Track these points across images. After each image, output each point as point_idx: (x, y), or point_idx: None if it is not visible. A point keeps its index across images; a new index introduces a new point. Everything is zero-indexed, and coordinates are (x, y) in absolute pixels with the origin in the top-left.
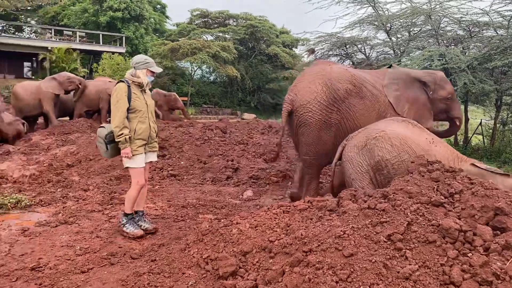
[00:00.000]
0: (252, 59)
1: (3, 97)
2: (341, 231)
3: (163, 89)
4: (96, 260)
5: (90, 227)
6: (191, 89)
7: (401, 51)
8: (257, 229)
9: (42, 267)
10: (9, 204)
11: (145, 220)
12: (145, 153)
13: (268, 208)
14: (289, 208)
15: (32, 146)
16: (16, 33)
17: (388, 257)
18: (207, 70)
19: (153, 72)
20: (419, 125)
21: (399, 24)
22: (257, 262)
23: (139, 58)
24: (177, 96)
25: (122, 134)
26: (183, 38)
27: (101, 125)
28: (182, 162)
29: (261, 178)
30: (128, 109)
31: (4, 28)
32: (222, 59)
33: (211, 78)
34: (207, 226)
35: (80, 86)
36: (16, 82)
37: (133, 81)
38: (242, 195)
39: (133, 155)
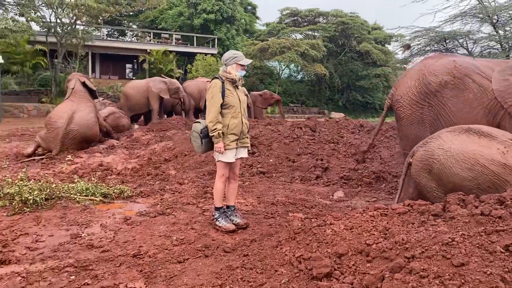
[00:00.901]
0: (341, 57)
1: (106, 96)
2: (449, 238)
3: (251, 89)
4: (191, 251)
5: (185, 219)
6: (278, 88)
7: (510, 45)
8: (352, 231)
9: (142, 254)
10: (113, 194)
11: (236, 215)
12: (236, 148)
13: (363, 210)
14: (387, 211)
15: (133, 141)
16: (120, 37)
17: (507, 269)
18: (295, 69)
19: (243, 66)
20: (485, 130)
21: (508, 15)
22: (353, 265)
23: (227, 54)
24: (271, 94)
25: (216, 129)
26: (272, 37)
27: (197, 120)
28: (271, 160)
29: (353, 179)
30: (222, 105)
31: (109, 32)
32: (310, 57)
33: (299, 76)
34: (300, 225)
35: (181, 100)
36: (119, 82)
37: (226, 77)
38: (333, 195)
39: (225, 150)
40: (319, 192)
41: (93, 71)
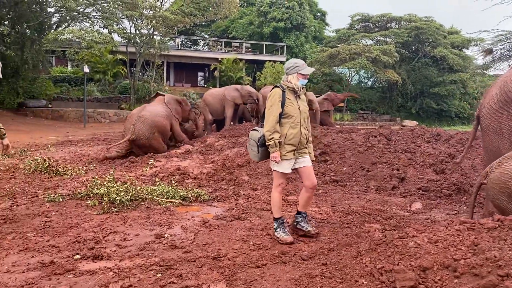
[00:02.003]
0: (415, 63)
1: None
2: None
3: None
4: (269, 257)
5: (261, 224)
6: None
7: None
8: (437, 245)
9: (222, 257)
10: (191, 197)
11: (307, 222)
12: (294, 159)
13: (448, 224)
14: (474, 226)
15: (207, 147)
16: (192, 47)
17: None
18: (365, 75)
19: (304, 75)
20: None
21: None
22: (439, 280)
23: (289, 63)
24: (334, 94)
25: (272, 138)
26: (342, 43)
27: (254, 128)
28: (344, 168)
29: (431, 190)
30: (280, 114)
31: (183, 42)
32: (382, 63)
33: (369, 83)
34: (380, 236)
35: (257, 101)
36: (192, 90)
37: (287, 86)
38: (410, 206)
39: (281, 160)
40: (396, 203)
41: (168, 79)
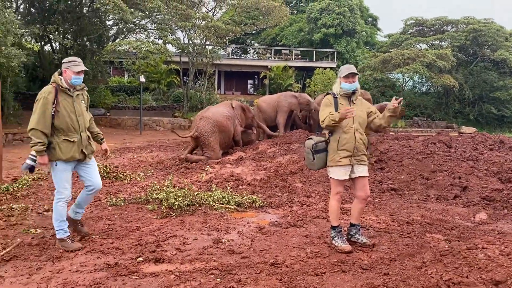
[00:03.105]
0: (473, 67)
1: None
2: None
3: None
4: (327, 265)
5: (317, 232)
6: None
7: None
8: (510, 257)
9: (280, 264)
10: (246, 203)
11: (361, 234)
12: (351, 165)
13: None
14: None
15: (259, 154)
16: (242, 55)
17: None
18: (419, 80)
19: (344, 78)
20: None
21: None
22: None
23: (340, 69)
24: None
25: (325, 119)
26: (395, 49)
27: (309, 137)
28: (402, 176)
29: (497, 200)
30: None
31: (233, 51)
32: (437, 68)
33: (424, 88)
34: (446, 246)
35: (313, 111)
36: (242, 97)
37: (339, 92)
38: (474, 217)
39: (335, 166)
40: (458, 213)
41: (219, 87)
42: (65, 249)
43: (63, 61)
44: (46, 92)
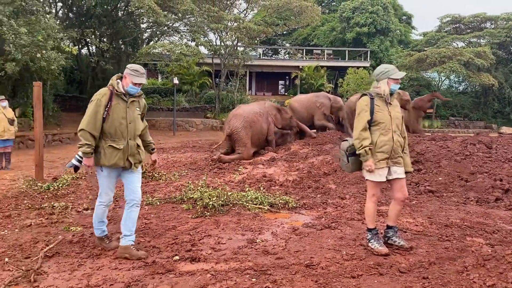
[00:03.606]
0: None
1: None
2: None
3: None
4: (364, 268)
5: (352, 234)
6: (437, 101)
7: None
8: None
9: (315, 265)
10: (279, 204)
11: (399, 236)
12: (388, 167)
13: None
14: None
15: (292, 154)
16: (273, 56)
17: None
18: (456, 79)
19: (395, 80)
20: None
21: None
22: None
23: (378, 69)
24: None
25: (362, 146)
26: (430, 47)
27: (345, 139)
28: (440, 178)
29: None
30: (370, 122)
31: (264, 51)
32: (475, 66)
33: (460, 88)
34: (489, 251)
35: (342, 119)
36: (273, 98)
37: (376, 93)
38: None
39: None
40: (501, 216)
41: (250, 88)
42: (102, 247)
43: (127, 66)
44: (100, 94)
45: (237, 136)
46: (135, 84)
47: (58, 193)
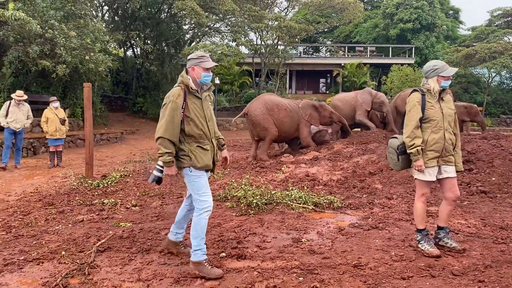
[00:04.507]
0: None
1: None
2: None
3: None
4: (414, 269)
5: (401, 235)
6: (487, 98)
7: None
8: None
9: (363, 266)
10: (324, 203)
11: (450, 238)
12: (439, 166)
13: None
14: None
15: (335, 153)
16: (314, 54)
17: None
18: (508, 75)
19: (445, 77)
20: None
21: None
22: None
23: (427, 66)
24: (478, 109)
25: (413, 144)
26: (480, 42)
27: (394, 136)
28: (493, 178)
29: None
30: (421, 119)
31: (305, 50)
32: None
33: None
34: None
35: (386, 114)
36: (314, 97)
37: (427, 89)
38: None
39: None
40: None
41: (290, 87)
42: (203, 275)
43: (189, 57)
44: (174, 96)
45: (254, 119)
46: (207, 69)
47: (107, 190)
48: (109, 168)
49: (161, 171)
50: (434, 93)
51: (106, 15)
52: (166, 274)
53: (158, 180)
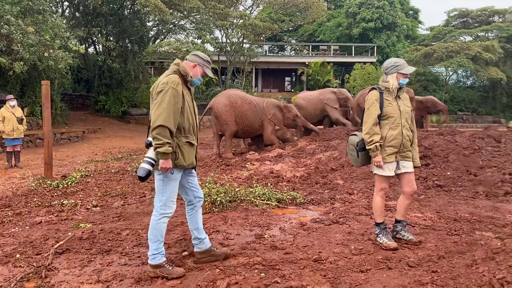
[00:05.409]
0: None
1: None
2: None
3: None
4: (373, 262)
5: (360, 229)
6: (444, 96)
7: None
8: None
9: (323, 260)
10: (287, 200)
11: (407, 231)
12: (396, 161)
13: None
14: None
15: (299, 150)
16: (279, 52)
17: None
18: (464, 74)
19: (404, 74)
20: None
21: None
22: None
23: (388, 63)
24: (434, 99)
25: (372, 141)
26: (438, 42)
27: (353, 133)
28: (448, 173)
29: None
30: (380, 116)
31: (270, 48)
32: (483, 60)
33: (468, 82)
34: (499, 244)
35: (351, 111)
36: (279, 95)
37: (385, 87)
38: None
39: (382, 163)
40: (510, 210)
41: (256, 85)
42: (165, 275)
43: (196, 53)
44: (174, 83)
45: (217, 112)
46: (205, 75)
47: (67, 191)
48: (70, 168)
49: (152, 165)
50: (393, 90)
51: (67, 11)
52: (127, 274)
53: (148, 175)
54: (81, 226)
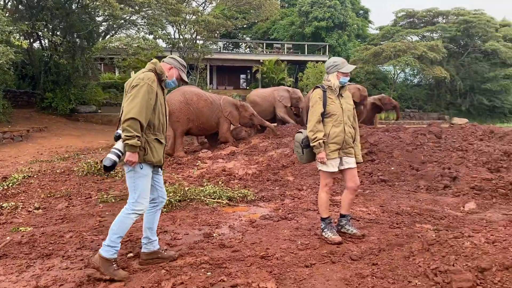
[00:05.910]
0: (464, 58)
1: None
2: None
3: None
4: (317, 256)
5: (308, 224)
6: (393, 93)
7: None
8: (495, 245)
9: (270, 256)
10: (238, 197)
11: (351, 225)
12: (340, 158)
13: (507, 223)
14: None
15: (252, 148)
16: (234, 50)
17: None
18: (411, 72)
19: (344, 73)
20: None
21: None
22: (499, 281)
23: (328, 62)
24: (388, 97)
25: (316, 138)
26: (386, 41)
27: (299, 130)
28: (392, 168)
29: (486, 189)
30: (323, 114)
31: (225, 45)
32: (428, 60)
33: (415, 80)
34: (434, 235)
35: (300, 112)
36: (235, 92)
37: (328, 86)
38: (463, 206)
39: (326, 159)
40: (448, 203)
41: (211, 82)
42: (108, 275)
43: (173, 57)
44: (150, 80)
45: (170, 108)
46: (180, 79)
47: (8, 193)
48: (12, 169)
49: (119, 156)
50: (335, 89)
51: (9, 3)
52: (68, 279)
53: (113, 165)
54: (21, 230)
